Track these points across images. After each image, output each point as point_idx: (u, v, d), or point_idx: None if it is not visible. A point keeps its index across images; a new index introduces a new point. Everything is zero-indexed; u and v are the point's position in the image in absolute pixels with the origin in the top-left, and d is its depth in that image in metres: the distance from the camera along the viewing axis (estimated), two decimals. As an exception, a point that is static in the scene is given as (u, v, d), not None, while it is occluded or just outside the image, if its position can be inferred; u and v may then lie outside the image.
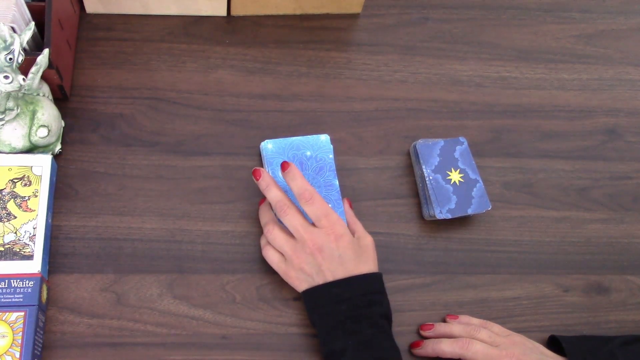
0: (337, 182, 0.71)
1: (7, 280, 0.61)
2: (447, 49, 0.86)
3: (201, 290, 0.67)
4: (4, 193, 0.66)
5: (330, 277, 0.62)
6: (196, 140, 0.75)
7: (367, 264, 0.64)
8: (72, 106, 0.74)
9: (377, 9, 0.87)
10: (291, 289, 0.68)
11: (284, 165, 0.63)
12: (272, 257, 0.65)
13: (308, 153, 0.72)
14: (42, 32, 0.68)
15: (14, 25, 0.66)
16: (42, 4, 0.68)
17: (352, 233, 0.66)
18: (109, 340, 0.64)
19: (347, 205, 0.70)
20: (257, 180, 0.65)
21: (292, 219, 0.63)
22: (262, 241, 0.67)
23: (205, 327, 0.66)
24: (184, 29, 0.81)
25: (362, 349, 0.60)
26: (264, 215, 0.67)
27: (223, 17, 0.83)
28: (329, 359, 0.61)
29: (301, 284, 0.64)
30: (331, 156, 0.72)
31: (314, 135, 0.73)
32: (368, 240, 0.66)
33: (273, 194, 0.64)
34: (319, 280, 0.63)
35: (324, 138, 0.73)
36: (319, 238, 0.62)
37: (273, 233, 0.64)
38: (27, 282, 0.61)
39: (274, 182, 0.65)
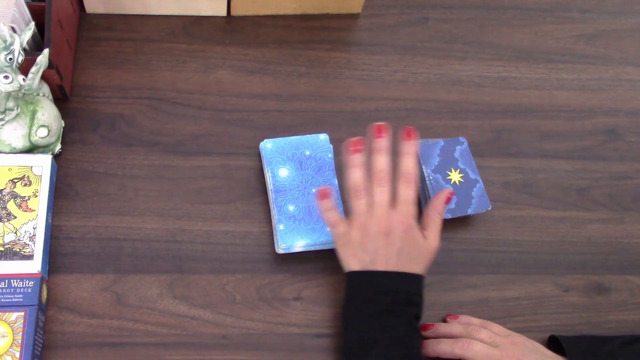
0: (336, 181, 0.71)
1: (7, 280, 0.61)
2: (447, 49, 0.86)
3: (201, 290, 0.67)
4: (4, 193, 0.66)
5: (382, 266, 0.62)
6: (196, 140, 0.75)
7: (419, 265, 0.63)
8: (72, 106, 0.74)
9: (377, 9, 0.87)
10: (291, 289, 0.68)
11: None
12: (340, 228, 0.64)
13: (307, 152, 0.72)
14: (42, 32, 0.68)
15: (14, 25, 0.66)
16: (42, 4, 0.68)
17: (424, 230, 0.65)
18: (109, 340, 0.64)
19: (439, 201, 0.66)
20: (380, 137, 0.64)
21: (383, 193, 0.62)
22: (327, 205, 0.65)
23: (205, 327, 0.66)
24: (184, 29, 0.81)
25: (394, 344, 0.60)
26: (358, 178, 0.64)
27: (223, 17, 0.83)
28: (358, 344, 0.61)
29: (354, 263, 0.63)
30: (330, 155, 0.72)
31: (313, 135, 0.73)
32: (432, 244, 0.64)
33: (382, 160, 0.64)
34: (367, 267, 0.62)
35: (323, 137, 0.73)
36: (392, 222, 0.62)
37: (361, 199, 0.63)
38: (27, 282, 0.61)
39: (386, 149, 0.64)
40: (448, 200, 0.67)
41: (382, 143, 0.64)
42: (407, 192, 0.63)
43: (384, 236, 0.62)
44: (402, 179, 0.63)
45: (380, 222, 0.62)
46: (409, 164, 0.63)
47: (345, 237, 0.64)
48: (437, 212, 0.66)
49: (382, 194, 0.63)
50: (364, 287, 0.62)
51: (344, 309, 0.64)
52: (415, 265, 0.63)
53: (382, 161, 0.63)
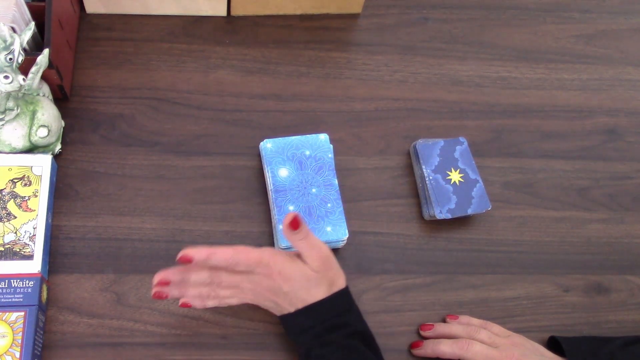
0: (336, 182, 0.71)
1: (7, 280, 0.61)
2: (447, 49, 0.86)
3: (201, 290, 0.67)
4: (4, 193, 0.66)
5: (292, 309, 0.61)
6: (196, 140, 0.75)
7: (321, 287, 0.60)
8: (72, 106, 0.74)
9: (377, 9, 0.87)
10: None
11: (184, 259, 0.58)
12: (233, 302, 0.63)
13: (307, 152, 0.72)
14: (42, 32, 0.68)
15: (14, 25, 0.66)
16: (42, 4, 0.68)
17: (302, 256, 0.61)
18: (109, 340, 0.64)
19: (286, 231, 0.59)
20: (190, 262, 0.58)
21: (230, 281, 0.61)
22: (211, 303, 0.63)
23: (205, 327, 0.66)
24: (184, 29, 0.81)
25: None
26: (198, 291, 0.62)
27: (223, 17, 0.83)
28: None
29: (274, 310, 0.63)
30: (330, 155, 0.72)
31: (313, 135, 0.73)
32: (315, 261, 0.60)
33: (198, 276, 0.61)
34: (283, 311, 0.62)
35: (323, 137, 0.73)
36: (262, 282, 0.60)
37: (221, 292, 0.62)
38: (27, 282, 0.61)
39: (188, 268, 0.60)
40: (293, 226, 0.58)
41: (177, 277, 0.60)
42: (246, 264, 0.59)
43: (270, 293, 0.60)
44: (230, 267, 0.60)
45: (255, 289, 0.60)
46: (219, 257, 0.58)
47: (245, 302, 0.63)
48: (294, 240, 0.59)
49: (229, 282, 0.60)
50: (288, 330, 0.62)
51: None
52: (315, 291, 0.60)
53: (199, 276, 0.60)
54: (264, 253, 0.60)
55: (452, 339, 0.65)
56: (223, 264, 0.59)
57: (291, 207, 0.69)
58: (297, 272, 0.60)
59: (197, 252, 0.58)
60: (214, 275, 0.60)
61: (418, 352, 0.67)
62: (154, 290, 0.60)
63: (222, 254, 0.58)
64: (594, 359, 0.65)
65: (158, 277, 0.59)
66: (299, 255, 0.61)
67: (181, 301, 0.62)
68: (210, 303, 0.62)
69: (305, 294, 0.60)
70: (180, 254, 0.57)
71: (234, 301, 0.63)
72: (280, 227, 0.68)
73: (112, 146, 0.73)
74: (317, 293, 0.60)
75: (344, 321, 0.61)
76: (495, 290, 0.72)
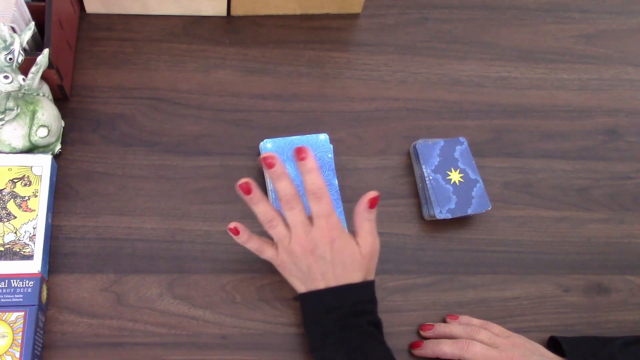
0: (336, 182, 0.71)
1: (7, 280, 0.61)
2: (447, 49, 0.86)
3: (201, 290, 0.67)
4: (4, 193, 0.66)
5: (321, 282, 0.61)
6: (196, 140, 0.75)
7: (360, 272, 0.62)
8: (72, 106, 0.74)
9: (377, 9, 0.87)
10: (291, 288, 0.68)
11: (299, 152, 0.60)
12: (267, 253, 0.64)
13: (308, 153, 0.72)
14: (42, 32, 0.68)
15: (14, 25, 0.66)
16: (42, 4, 0.68)
17: (357, 235, 0.63)
18: (109, 340, 0.64)
19: (362, 206, 0.62)
20: (271, 168, 0.60)
21: (297, 215, 0.61)
22: (250, 244, 0.64)
23: (205, 327, 0.66)
24: (184, 29, 0.81)
25: (352, 355, 0.60)
26: (267, 208, 0.63)
27: (223, 17, 0.83)
28: None
29: (297, 282, 0.64)
30: (330, 155, 0.72)
31: (313, 135, 0.73)
32: (365, 249, 0.63)
33: (283, 185, 0.61)
34: (310, 286, 0.62)
35: (323, 137, 0.73)
36: (313, 239, 0.61)
37: (277, 227, 0.62)
38: (27, 282, 0.61)
39: (286, 173, 0.61)
40: (371, 203, 0.62)
41: (277, 170, 0.61)
42: (320, 208, 0.61)
43: (310, 254, 0.61)
44: (310, 197, 0.61)
45: (301, 242, 0.61)
46: (313, 180, 0.60)
47: (276, 260, 0.63)
48: (361, 218, 0.63)
49: (293, 215, 0.61)
50: (311, 308, 0.63)
51: (304, 328, 0.64)
52: (353, 273, 0.62)
53: (283, 186, 0.61)
54: (336, 214, 0.62)
55: (452, 339, 0.66)
56: (314, 187, 0.60)
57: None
58: (348, 248, 0.62)
59: (312, 157, 0.60)
60: (294, 197, 0.61)
61: (418, 352, 0.67)
62: (243, 181, 0.61)
63: (322, 179, 0.60)
64: (594, 359, 0.65)
65: (267, 155, 0.60)
66: (352, 236, 0.63)
67: (232, 226, 0.63)
68: (251, 244, 0.63)
69: (342, 273, 0.61)
70: (298, 148, 0.60)
71: (269, 253, 0.63)
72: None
73: (112, 146, 0.73)
74: (353, 277, 0.62)
75: (369, 309, 0.62)
76: (495, 290, 0.72)
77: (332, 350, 0.60)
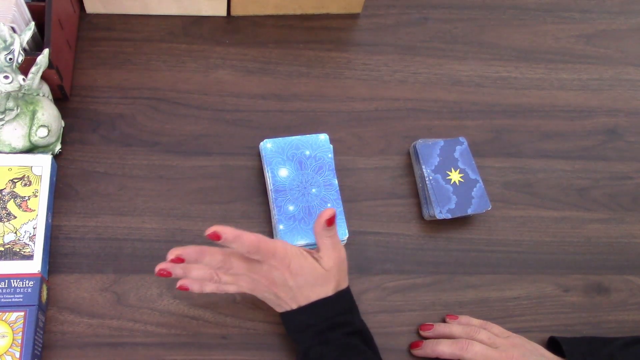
0: (336, 182, 0.71)
1: (7, 280, 0.61)
2: (447, 49, 0.86)
3: (201, 290, 0.67)
4: (4, 193, 0.66)
5: (293, 305, 0.61)
6: (196, 140, 0.75)
7: (329, 285, 0.61)
8: (72, 106, 0.74)
9: (377, 9, 0.87)
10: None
11: (213, 236, 0.57)
12: (231, 289, 0.62)
13: (307, 152, 0.72)
14: (42, 32, 0.68)
15: (14, 25, 0.66)
16: (42, 4, 0.68)
17: (320, 251, 0.62)
18: (109, 340, 0.64)
19: (319, 226, 0.60)
20: (218, 240, 0.57)
21: (237, 268, 0.59)
22: (209, 288, 0.62)
23: (205, 327, 0.66)
24: (184, 29, 0.81)
25: None
26: (202, 272, 0.61)
27: (223, 17, 0.83)
28: None
29: (273, 306, 0.63)
30: (330, 155, 0.72)
31: (313, 135, 0.73)
32: (331, 262, 0.61)
33: (208, 260, 0.59)
34: (284, 306, 0.62)
35: (323, 137, 0.73)
36: (269, 273, 0.59)
37: (223, 278, 0.61)
38: (27, 282, 0.61)
39: (202, 249, 0.59)
40: (329, 222, 0.60)
41: (193, 256, 0.58)
42: (262, 256, 0.58)
43: (273, 285, 0.60)
44: (251, 255, 0.58)
45: (260, 281, 0.60)
46: (238, 246, 0.57)
47: (244, 292, 0.62)
48: (321, 237, 0.61)
49: (236, 270, 0.59)
50: (289, 327, 0.62)
51: None
52: (322, 288, 0.61)
53: (210, 260, 0.59)
54: (278, 244, 0.59)
55: (452, 339, 0.65)
56: (243, 249, 0.58)
57: (291, 207, 0.69)
58: (307, 268, 0.60)
59: (226, 232, 0.57)
60: (226, 260, 0.59)
61: (418, 352, 0.67)
62: (160, 267, 0.59)
63: (248, 238, 0.57)
64: (594, 359, 0.65)
65: (174, 252, 0.57)
66: (310, 253, 0.61)
67: (180, 283, 0.61)
68: (209, 288, 0.62)
69: (309, 291, 0.60)
70: (210, 230, 0.56)
71: (232, 289, 0.62)
72: (280, 227, 0.68)
73: (112, 146, 0.73)
74: (321, 292, 0.61)
75: (345, 320, 0.61)
76: (495, 290, 0.72)
77: None
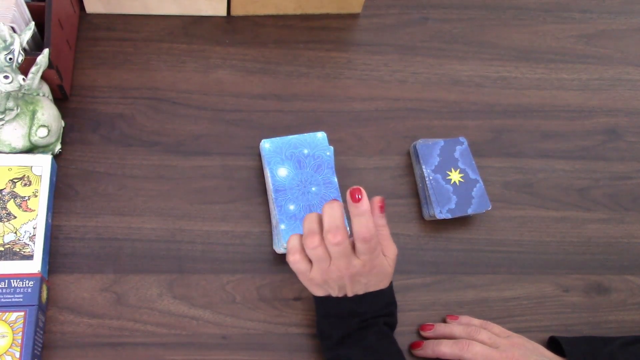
0: (335, 179, 0.71)
1: (7, 280, 0.61)
2: (447, 49, 0.86)
3: (201, 290, 0.67)
4: (4, 193, 0.66)
5: (350, 294, 0.61)
6: (196, 140, 0.75)
7: (384, 282, 0.62)
8: (72, 106, 0.74)
9: (377, 9, 0.87)
10: (291, 289, 0.68)
11: (354, 193, 0.56)
12: (300, 266, 0.59)
13: (305, 151, 0.72)
14: (42, 32, 0.68)
15: (14, 25, 0.66)
16: (42, 4, 0.68)
17: (383, 245, 0.61)
18: (109, 340, 0.64)
19: (376, 214, 0.60)
20: (357, 201, 0.56)
21: (345, 250, 0.57)
22: (292, 243, 0.60)
23: (205, 327, 0.66)
24: (184, 29, 0.81)
25: (367, 354, 0.60)
26: (313, 223, 0.58)
27: (223, 17, 0.83)
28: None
29: (318, 291, 0.63)
30: (329, 154, 0.72)
31: (311, 133, 0.73)
32: (392, 255, 0.61)
33: (364, 222, 0.56)
34: (338, 294, 0.62)
35: (321, 135, 0.73)
36: (355, 266, 0.58)
37: (315, 244, 0.57)
38: (27, 282, 0.61)
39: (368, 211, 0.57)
40: (381, 209, 0.60)
41: (362, 205, 0.56)
42: (366, 248, 0.57)
43: (349, 279, 0.59)
44: (359, 239, 0.56)
45: (342, 270, 0.58)
46: (363, 223, 0.56)
47: (305, 274, 0.60)
48: (377, 226, 0.59)
49: (336, 251, 0.57)
50: (333, 311, 0.62)
51: (317, 327, 0.64)
52: (382, 283, 0.62)
53: (334, 214, 0.57)
54: (379, 251, 0.59)
55: (453, 340, 0.65)
56: (362, 228, 0.55)
57: (292, 207, 0.69)
58: (383, 269, 0.60)
59: (365, 201, 0.55)
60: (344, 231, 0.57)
61: (418, 352, 0.67)
62: (356, 188, 0.56)
63: (373, 224, 0.56)
64: (594, 359, 0.65)
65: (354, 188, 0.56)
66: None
67: (355, 189, 0.57)
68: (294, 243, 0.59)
69: (373, 286, 0.61)
70: (356, 188, 0.55)
71: (303, 265, 0.59)
72: (281, 226, 0.68)
73: (112, 146, 0.73)
74: (380, 285, 0.62)
75: (389, 311, 0.63)
76: (495, 290, 0.72)
77: (347, 349, 0.61)
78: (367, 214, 0.56)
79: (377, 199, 0.60)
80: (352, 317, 0.61)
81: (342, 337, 0.61)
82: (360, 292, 0.61)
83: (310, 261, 0.59)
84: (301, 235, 0.60)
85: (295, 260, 0.59)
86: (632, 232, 0.78)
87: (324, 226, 0.57)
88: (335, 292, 0.61)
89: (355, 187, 0.56)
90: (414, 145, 0.76)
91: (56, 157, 0.71)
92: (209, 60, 0.80)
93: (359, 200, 0.56)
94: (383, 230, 0.61)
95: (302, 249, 0.59)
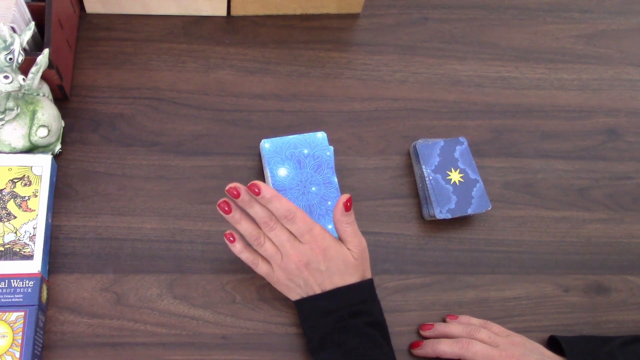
0: (335, 179, 0.71)
1: (7, 280, 0.61)
2: (447, 49, 0.86)
3: (201, 290, 0.67)
4: (4, 193, 0.66)
5: (318, 290, 0.62)
6: (196, 140, 0.75)
7: (356, 275, 0.63)
8: (72, 106, 0.75)
9: (377, 9, 0.87)
10: (291, 289, 0.68)
11: (251, 188, 0.59)
12: (262, 268, 0.63)
13: (305, 151, 0.72)
14: (42, 32, 0.68)
15: (14, 25, 0.66)
16: (42, 4, 0.68)
17: (343, 241, 0.63)
18: (109, 340, 0.64)
19: (338, 212, 0.62)
20: (237, 198, 0.60)
21: (279, 234, 0.61)
22: (246, 255, 0.63)
23: (205, 327, 0.66)
24: (184, 29, 0.81)
25: (350, 357, 0.60)
26: (250, 228, 0.62)
27: (223, 17, 0.83)
28: None
29: (292, 294, 0.64)
30: (329, 153, 0.72)
31: (311, 133, 0.73)
32: (357, 250, 0.63)
33: (255, 210, 0.61)
34: (308, 292, 0.62)
35: (321, 135, 0.73)
36: (305, 253, 0.61)
37: (264, 245, 0.62)
38: (27, 282, 0.61)
39: (254, 199, 0.61)
40: (346, 207, 0.61)
41: (243, 198, 0.60)
42: (297, 227, 0.60)
43: (304, 268, 0.61)
44: (283, 221, 0.60)
45: (293, 258, 0.61)
46: (277, 206, 0.60)
47: (271, 277, 0.63)
48: (341, 223, 0.62)
49: (277, 235, 0.61)
50: (308, 313, 0.63)
51: (303, 333, 0.64)
52: (349, 277, 0.62)
53: (255, 211, 0.61)
54: (316, 224, 0.62)
55: (452, 339, 0.65)
56: (281, 212, 0.60)
57: (291, 207, 0.69)
58: (340, 255, 0.62)
59: (265, 188, 0.59)
60: (271, 218, 0.61)
61: (418, 352, 0.67)
62: (224, 199, 0.61)
63: (286, 201, 0.60)
64: (594, 358, 0.65)
65: (231, 185, 0.60)
66: (342, 241, 0.63)
67: (228, 232, 0.63)
68: (244, 256, 0.63)
69: (338, 279, 0.62)
70: (250, 184, 0.59)
71: (263, 268, 0.63)
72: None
73: (112, 146, 0.73)
74: (348, 280, 0.62)
75: (367, 309, 0.62)
76: (495, 290, 0.72)
77: (330, 352, 0.61)
78: (274, 199, 0.59)
79: (343, 198, 0.61)
80: (327, 315, 0.61)
81: (321, 339, 0.61)
82: (328, 286, 0.61)
83: (269, 264, 0.63)
84: (249, 247, 0.64)
85: (252, 263, 0.63)
86: (632, 232, 0.78)
87: (257, 221, 0.61)
88: (304, 289, 0.62)
89: (252, 182, 0.59)
90: (414, 145, 0.76)
91: (56, 157, 0.71)
92: (209, 60, 0.80)
93: (257, 193, 0.59)
94: (347, 227, 0.62)
95: (255, 252, 0.63)
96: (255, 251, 0.63)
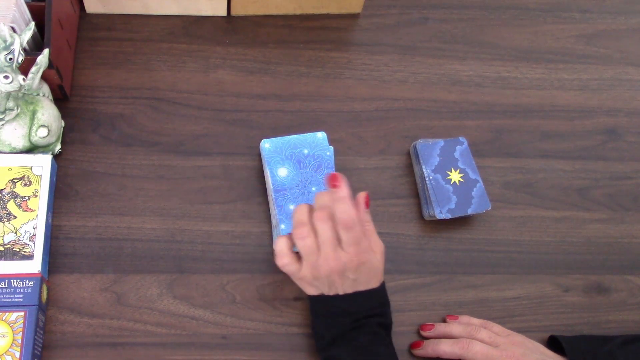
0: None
1: (7, 280, 0.61)
2: (447, 49, 0.86)
3: (201, 290, 0.67)
4: (4, 193, 0.66)
5: (340, 292, 0.62)
6: (196, 140, 0.75)
7: (376, 279, 0.63)
8: (72, 106, 0.75)
9: (377, 9, 0.87)
10: (291, 289, 0.68)
11: (332, 180, 0.57)
12: (290, 268, 0.61)
13: (305, 151, 0.72)
14: (42, 32, 0.68)
15: (14, 25, 0.66)
16: (42, 4, 0.68)
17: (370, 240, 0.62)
18: (109, 340, 0.64)
19: (361, 210, 0.60)
20: (335, 187, 0.57)
21: (328, 231, 0.58)
22: (280, 247, 0.61)
23: (205, 327, 0.66)
24: (184, 29, 0.81)
25: (358, 353, 0.60)
26: (303, 214, 0.60)
27: (223, 17, 0.83)
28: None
29: (311, 290, 0.63)
30: (329, 153, 0.72)
31: (311, 133, 0.73)
32: (379, 251, 0.62)
33: (323, 198, 0.59)
34: (329, 292, 0.62)
35: (321, 135, 0.73)
36: (342, 262, 0.59)
37: (304, 234, 0.59)
38: (27, 282, 0.61)
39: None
40: (366, 205, 0.61)
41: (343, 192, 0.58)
42: (349, 236, 0.58)
43: (336, 274, 0.60)
44: (340, 225, 0.58)
45: (330, 262, 0.59)
46: (344, 209, 0.57)
47: (296, 274, 0.62)
48: (362, 222, 0.60)
49: (325, 231, 0.58)
50: (326, 311, 0.63)
51: (312, 327, 0.64)
52: (372, 282, 0.62)
53: (323, 199, 0.59)
54: (365, 239, 0.60)
55: (453, 339, 0.65)
56: (344, 217, 0.57)
57: (292, 207, 0.69)
58: (372, 267, 0.61)
59: (344, 187, 0.57)
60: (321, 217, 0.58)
61: (418, 352, 0.67)
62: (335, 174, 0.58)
63: (352, 209, 0.57)
64: (594, 358, 0.65)
65: (334, 173, 0.58)
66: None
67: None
68: (283, 243, 0.61)
69: (362, 285, 0.61)
70: (332, 174, 0.58)
71: (293, 267, 0.60)
72: (282, 226, 0.68)
73: (112, 146, 0.73)
74: (371, 284, 0.62)
75: (382, 312, 0.63)
76: (495, 290, 0.72)
77: (339, 348, 0.61)
78: (346, 200, 0.57)
79: (362, 194, 0.61)
80: (344, 316, 0.61)
81: (334, 337, 0.61)
82: (350, 290, 0.61)
83: (298, 260, 0.61)
84: (288, 236, 0.61)
85: (284, 264, 0.61)
86: (632, 232, 0.78)
87: (315, 208, 0.59)
88: (326, 290, 0.62)
89: (332, 173, 0.58)
90: (414, 145, 0.76)
91: (56, 157, 0.71)
92: (209, 60, 0.80)
93: (336, 186, 0.57)
94: (368, 225, 0.62)
95: (290, 251, 0.61)
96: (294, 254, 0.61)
